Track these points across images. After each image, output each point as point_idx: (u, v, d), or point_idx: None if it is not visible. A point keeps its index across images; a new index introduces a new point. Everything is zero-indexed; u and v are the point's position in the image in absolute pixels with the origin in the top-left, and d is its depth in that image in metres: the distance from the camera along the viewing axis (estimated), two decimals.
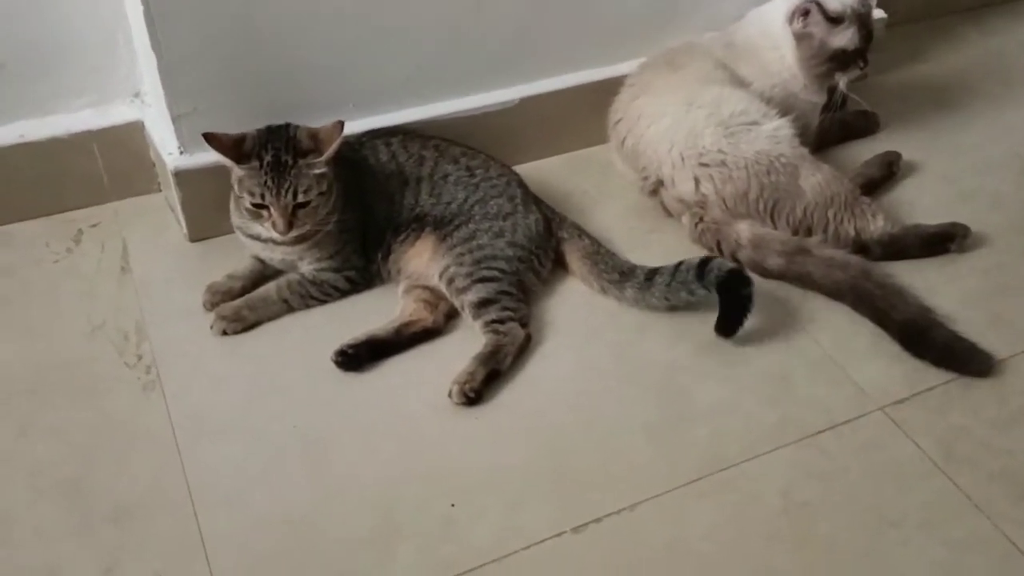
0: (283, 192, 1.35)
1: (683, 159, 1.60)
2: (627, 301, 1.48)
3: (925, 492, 1.26)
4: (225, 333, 1.43)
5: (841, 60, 1.65)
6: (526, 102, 1.73)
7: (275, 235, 1.39)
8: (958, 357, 1.41)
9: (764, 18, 1.70)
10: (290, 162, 1.36)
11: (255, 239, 1.46)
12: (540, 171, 1.78)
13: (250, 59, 1.50)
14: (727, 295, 1.40)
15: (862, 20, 1.64)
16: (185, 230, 1.60)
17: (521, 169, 1.76)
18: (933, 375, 1.41)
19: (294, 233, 1.39)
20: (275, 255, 1.48)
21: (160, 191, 1.70)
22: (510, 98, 1.72)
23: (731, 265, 1.44)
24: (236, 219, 1.48)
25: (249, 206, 1.38)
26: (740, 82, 1.69)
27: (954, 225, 1.62)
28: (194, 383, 1.38)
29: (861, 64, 1.67)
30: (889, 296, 1.48)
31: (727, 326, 1.42)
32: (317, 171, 1.37)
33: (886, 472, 1.28)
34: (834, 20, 1.63)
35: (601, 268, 1.50)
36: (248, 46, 1.48)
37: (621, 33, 1.77)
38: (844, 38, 1.64)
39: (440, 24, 1.60)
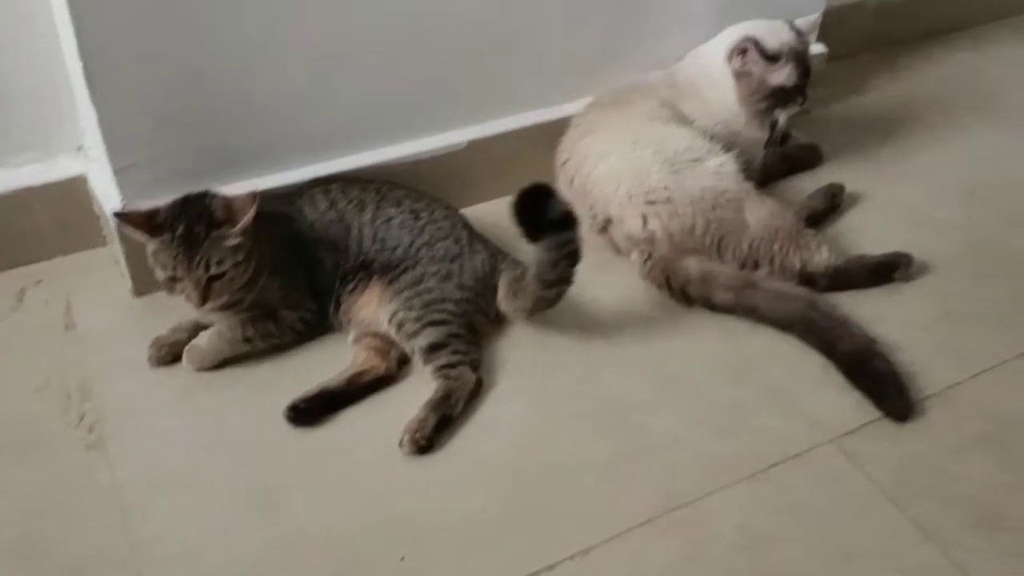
0: (195, 265, 1.33)
1: (630, 197, 1.61)
2: (527, 301, 1.45)
3: (878, 524, 1.26)
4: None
5: (780, 97, 1.69)
6: (474, 144, 1.74)
7: (192, 308, 1.37)
8: (882, 395, 1.41)
9: (703, 58, 1.73)
10: (202, 234, 1.33)
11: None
12: (490, 213, 1.77)
13: (194, 109, 1.49)
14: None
15: (799, 57, 1.68)
16: (130, 284, 1.58)
17: (471, 211, 1.76)
18: None
19: (210, 305, 1.37)
20: (212, 320, 1.45)
21: (106, 245, 1.68)
22: (458, 140, 1.73)
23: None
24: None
25: (163, 279, 1.36)
26: (684, 120, 1.71)
27: (898, 255, 1.64)
28: (140, 440, 1.35)
29: (800, 100, 1.70)
30: (836, 327, 1.49)
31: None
32: (231, 242, 1.34)
33: (840, 504, 1.28)
34: (772, 58, 1.67)
35: (514, 286, 1.48)
36: (192, 96, 1.48)
37: (567, 73, 1.79)
38: (782, 75, 1.67)
39: (386, 69, 1.61)
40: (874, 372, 1.43)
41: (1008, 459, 1.34)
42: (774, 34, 1.69)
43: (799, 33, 1.70)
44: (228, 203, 1.37)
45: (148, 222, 1.35)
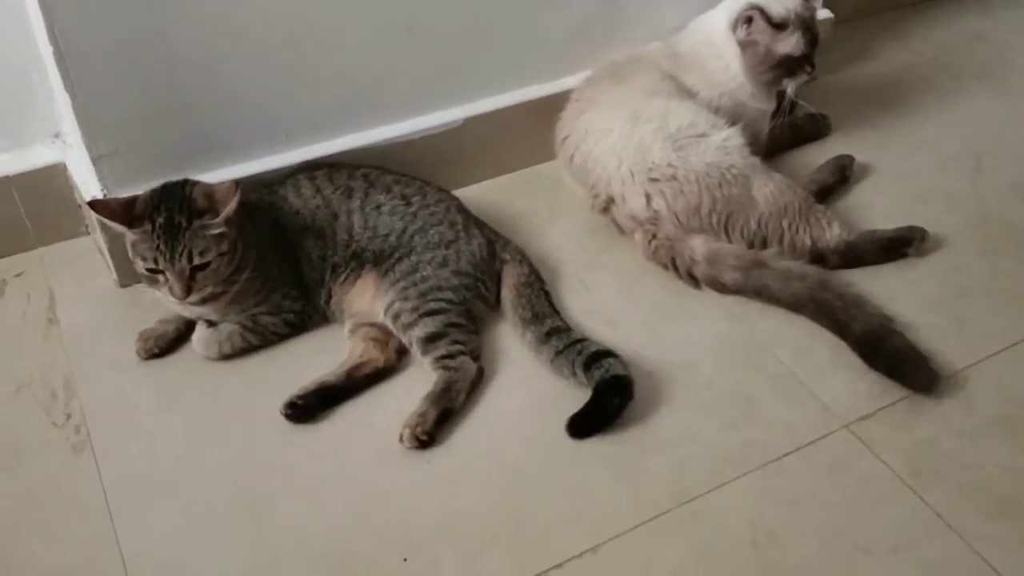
0: (177, 256, 1.27)
1: (633, 175, 1.55)
2: (526, 345, 1.40)
3: (895, 512, 1.22)
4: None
5: (788, 66, 1.62)
6: (470, 122, 1.67)
7: (175, 302, 1.31)
8: (905, 371, 1.37)
9: (707, 27, 1.66)
10: (184, 224, 1.27)
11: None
12: (488, 192, 1.73)
13: (173, 94, 1.42)
14: (600, 397, 1.30)
15: (806, 25, 1.61)
16: (115, 275, 1.52)
17: (468, 191, 1.71)
18: (897, 388, 1.37)
19: (194, 297, 1.31)
20: (195, 313, 1.40)
21: (89, 234, 1.61)
22: (453, 119, 1.66)
23: (622, 371, 1.31)
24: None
25: (144, 271, 1.30)
26: (687, 92, 1.65)
27: (911, 229, 1.58)
28: (127, 441, 1.30)
29: (808, 69, 1.64)
30: (849, 306, 1.44)
31: (580, 427, 1.29)
32: (214, 231, 1.29)
33: (855, 493, 1.24)
34: (778, 26, 1.60)
35: (522, 302, 1.42)
36: (170, 81, 1.40)
37: (564, 47, 1.72)
38: (789, 44, 1.61)
39: (374, 47, 1.54)
40: (892, 351, 1.38)
41: None
42: (779, 1, 1.62)
43: (810, 3, 1.63)
44: (210, 191, 1.30)
45: (126, 212, 1.29)
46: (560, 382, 1.37)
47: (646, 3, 1.74)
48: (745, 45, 1.62)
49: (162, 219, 1.27)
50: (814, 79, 1.70)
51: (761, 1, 1.60)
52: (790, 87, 1.65)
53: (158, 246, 1.27)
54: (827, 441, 1.31)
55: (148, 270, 1.30)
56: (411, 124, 1.63)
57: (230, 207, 1.28)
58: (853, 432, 1.32)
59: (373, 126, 1.61)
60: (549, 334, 1.37)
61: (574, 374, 1.33)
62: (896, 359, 1.38)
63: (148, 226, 1.28)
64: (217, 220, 1.28)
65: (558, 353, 1.35)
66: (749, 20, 1.60)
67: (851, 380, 1.38)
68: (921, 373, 1.37)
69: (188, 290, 1.29)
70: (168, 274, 1.29)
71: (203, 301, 1.34)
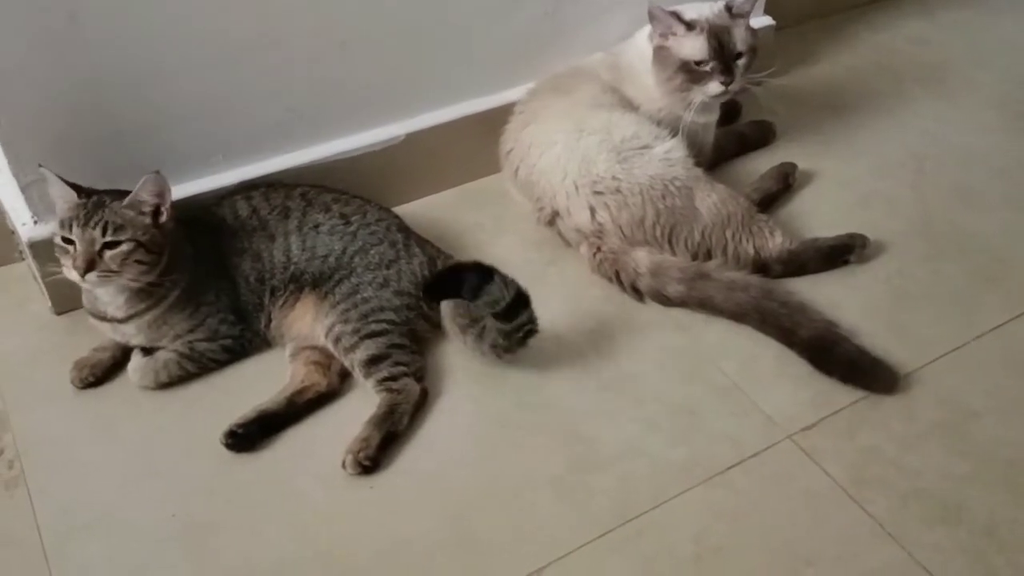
0: (92, 225, 1.25)
1: (577, 188, 1.55)
2: (469, 349, 1.40)
3: (838, 523, 1.23)
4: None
5: (690, 72, 1.56)
6: (412, 137, 1.66)
7: (74, 277, 1.26)
8: (864, 374, 1.39)
9: (639, 39, 1.65)
10: (108, 202, 1.27)
11: (102, 319, 1.36)
12: (433, 207, 1.72)
13: (102, 118, 1.39)
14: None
15: (715, 32, 1.55)
16: (49, 302, 1.48)
17: (413, 206, 1.70)
18: (840, 397, 1.38)
19: (93, 276, 1.25)
20: (128, 336, 1.37)
21: (23, 260, 1.57)
22: (395, 135, 1.65)
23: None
24: (85, 300, 1.38)
25: (59, 242, 1.27)
26: (629, 105, 1.64)
27: (852, 236, 1.60)
28: (62, 475, 1.27)
29: (722, 80, 1.55)
30: (793, 314, 1.45)
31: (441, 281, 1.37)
32: (138, 217, 1.27)
33: (798, 505, 1.25)
34: (688, 28, 1.56)
35: (459, 311, 1.40)
36: (98, 104, 1.37)
37: (506, 59, 1.71)
38: (689, 46, 1.56)
39: (306, 64, 1.51)
40: (844, 355, 1.39)
41: (966, 448, 1.32)
42: (697, 8, 1.59)
43: (730, 12, 1.57)
44: (159, 191, 1.29)
45: (77, 188, 1.29)
46: (505, 403, 1.36)
47: (588, 14, 1.73)
48: (657, 51, 1.59)
49: (96, 197, 1.28)
50: (757, 84, 1.66)
51: (680, 8, 1.58)
52: (699, 97, 1.58)
53: (78, 213, 1.25)
54: (770, 453, 1.31)
55: (63, 239, 1.27)
56: (351, 141, 1.61)
57: (166, 202, 1.29)
58: (796, 443, 1.32)
59: (312, 144, 1.59)
60: (485, 325, 1.36)
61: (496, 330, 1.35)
62: (850, 363, 1.39)
63: (84, 198, 1.27)
64: (148, 202, 1.28)
65: (484, 332, 1.35)
66: (653, 17, 1.56)
67: (794, 390, 1.39)
68: (880, 374, 1.39)
69: (90, 264, 1.25)
70: (76, 243, 1.25)
71: (127, 310, 1.32)
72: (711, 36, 1.55)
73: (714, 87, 1.57)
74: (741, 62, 1.58)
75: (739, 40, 1.57)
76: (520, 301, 1.33)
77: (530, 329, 1.35)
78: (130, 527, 1.21)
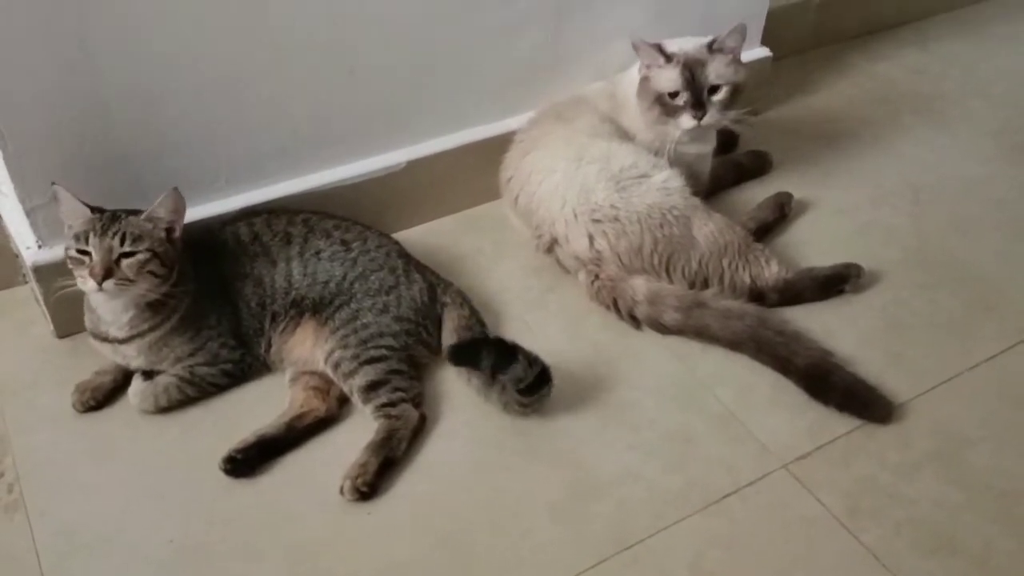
0: (110, 235, 1.27)
1: (576, 216, 1.56)
2: (473, 390, 1.41)
3: (832, 552, 1.23)
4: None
5: (666, 105, 1.58)
6: (413, 164, 1.68)
7: (91, 287, 1.27)
8: (859, 402, 1.40)
9: (634, 72, 1.67)
10: (124, 216, 1.30)
11: (104, 340, 1.37)
12: (433, 233, 1.73)
13: (108, 143, 1.40)
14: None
15: (688, 64, 1.56)
16: (52, 326, 1.50)
17: (413, 232, 1.71)
18: (835, 426, 1.39)
19: (111, 283, 1.27)
20: (129, 359, 1.38)
21: (26, 283, 1.59)
22: (396, 161, 1.67)
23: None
24: (88, 321, 1.39)
25: (74, 254, 1.28)
26: (624, 134, 1.66)
27: (847, 266, 1.61)
28: (62, 498, 1.28)
29: (694, 114, 1.57)
30: (789, 342, 1.46)
31: (461, 352, 1.38)
32: (155, 229, 1.30)
33: (792, 534, 1.26)
34: (666, 60, 1.58)
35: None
36: (104, 128, 1.39)
37: (507, 88, 1.73)
38: (664, 78, 1.58)
39: (313, 90, 1.54)
40: (840, 384, 1.41)
41: (960, 478, 1.32)
42: (681, 42, 1.60)
43: (712, 48, 1.58)
44: (175, 207, 1.32)
45: (89, 206, 1.32)
46: (502, 428, 1.37)
47: (588, 44, 1.76)
48: (640, 83, 1.61)
49: (110, 212, 1.31)
50: (754, 113, 1.67)
51: (664, 41, 1.60)
52: (676, 131, 1.59)
53: (95, 225, 1.27)
54: (766, 481, 1.32)
55: (78, 251, 1.28)
56: (353, 168, 1.63)
57: (180, 216, 1.32)
58: (791, 472, 1.33)
59: (315, 170, 1.61)
60: (504, 386, 1.36)
61: (512, 398, 1.35)
62: (846, 391, 1.40)
63: (97, 215, 1.30)
64: (163, 217, 1.31)
65: (504, 390, 1.35)
66: (637, 48, 1.58)
67: (789, 418, 1.40)
68: (876, 403, 1.40)
69: (108, 272, 1.26)
70: (93, 254, 1.27)
71: (131, 331, 1.33)
72: (684, 68, 1.57)
73: (686, 120, 1.58)
74: (717, 97, 1.58)
75: (713, 74, 1.57)
76: (543, 378, 1.33)
77: (547, 394, 1.36)
78: (128, 551, 1.22)
